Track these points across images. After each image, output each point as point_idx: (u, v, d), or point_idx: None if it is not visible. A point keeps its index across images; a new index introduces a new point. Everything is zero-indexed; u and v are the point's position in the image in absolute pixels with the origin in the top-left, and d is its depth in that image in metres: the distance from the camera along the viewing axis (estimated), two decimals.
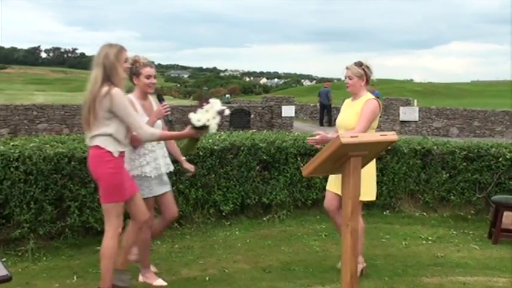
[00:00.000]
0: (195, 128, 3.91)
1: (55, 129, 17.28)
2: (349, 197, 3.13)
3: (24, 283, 4.47)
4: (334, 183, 4.84)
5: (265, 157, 6.57)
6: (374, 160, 4.50)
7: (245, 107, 20.56)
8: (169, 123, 4.33)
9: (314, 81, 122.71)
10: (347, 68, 4.79)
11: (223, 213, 6.28)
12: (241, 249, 5.54)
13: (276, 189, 6.63)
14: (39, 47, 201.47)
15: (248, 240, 5.84)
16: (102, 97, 3.73)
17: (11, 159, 5.10)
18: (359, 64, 4.77)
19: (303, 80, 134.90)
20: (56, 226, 5.33)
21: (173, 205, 4.61)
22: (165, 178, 4.53)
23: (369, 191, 4.63)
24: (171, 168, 4.57)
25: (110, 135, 3.80)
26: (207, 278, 4.72)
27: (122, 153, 3.90)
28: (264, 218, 6.58)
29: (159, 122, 4.37)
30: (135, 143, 4.15)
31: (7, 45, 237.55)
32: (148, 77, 4.34)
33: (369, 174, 4.49)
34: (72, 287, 4.46)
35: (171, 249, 5.44)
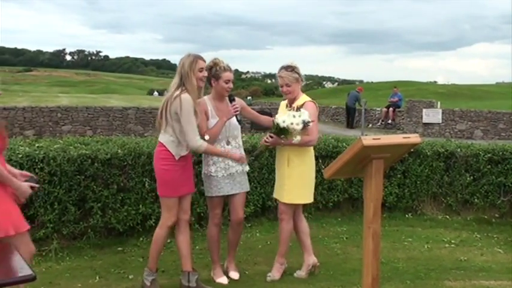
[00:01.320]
0: (276, 129, 4.37)
1: (79, 131, 17.52)
2: (371, 199, 3.10)
3: (47, 283, 4.54)
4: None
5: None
6: (310, 162, 4.72)
7: (266, 109, 20.54)
8: (239, 123, 4.59)
9: (336, 83, 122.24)
10: (281, 77, 4.68)
11: (244, 215, 6.28)
12: (261, 251, 5.54)
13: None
14: (64, 49, 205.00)
15: (269, 242, 5.83)
16: (172, 100, 4.15)
17: (36, 161, 5.18)
18: (291, 69, 4.70)
19: (324, 82, 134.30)
20: (79, 226, 5.40)
21: (239, 208, 4.72)
22: (239, 178, 4.62)
23: (304, 193, 4.73)
24: (246, 168, 4.68)
25: (174, 136, 4.21)
26: (227, 281, 4.72)
27: (183, 157, 4.25)
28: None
29: (235, 123, 4.60)
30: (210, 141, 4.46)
31: (33, 48, 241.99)
32: (227, 81, 4.54)
33: (301, 176, 4.66)
34: (95, 287, 4.50)
35: (192, 251, 5.46)
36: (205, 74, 4.35)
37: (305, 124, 4.29)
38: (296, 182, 4.64)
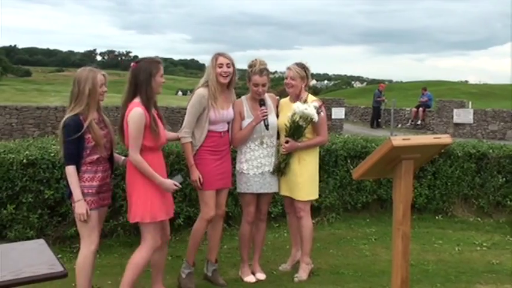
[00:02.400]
0: (291, 123, 4.52)
1: None
2: (401, 200, 3.06)
3: None
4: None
5: None
6: (317, 158, 4.79)
7: None
8: (266, 127, 4.56)
9: (365, 83, 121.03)
10: (289, 69, 4.75)
11: (272, 215, 6.28)
12: (289, 251, 5.52)
13: (325, 192, 6.59)
14: (94, 50, 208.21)
15: None
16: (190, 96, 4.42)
17: None
18: (301, 66, 4.75)
19: (353, 82, 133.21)
20: (108, 225, 5.47)
21: (263, 207, 4.81)
22: (270, 179, 4.67)
23: (314, 189, 4.82)
24: (271, 169, 4.68)
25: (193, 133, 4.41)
26: (255, 280, 4.73)
27: (218, 151, 4.45)
28: (313, 221, 6.49)
29: (272, 122, 4.62)
30: (235, 142, 4.61)
31: (64, 49, 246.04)
32: (255, 85, 4.55)
33: (312, 173, 4.77)
34: None
35: (219, 250, 5.48)
36: (225, 69, 4.40)
37: (316, 110, 4.49)
38: (308, 178, 4.74)
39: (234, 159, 4.78)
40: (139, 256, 3.91)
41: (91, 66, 3.91)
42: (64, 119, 3.79)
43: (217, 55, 4.47)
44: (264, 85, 4.57)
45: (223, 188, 4.61)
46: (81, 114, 3.75)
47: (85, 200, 3.76)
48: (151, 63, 3.90)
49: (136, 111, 3.74)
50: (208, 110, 4.42)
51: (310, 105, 4.51)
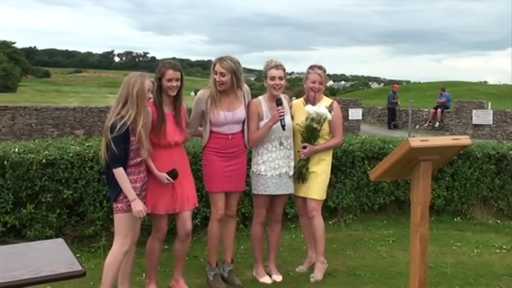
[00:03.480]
0: (306, 127, 4.58)
1: None
2: (419, 202, 3.04)
3: (97, 278, 4.63)
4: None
5: (332, 160, 6.51)
6: (330, 159, 4.80)
7: None
8: (282, 128, 4.53)
9: (382, 84, 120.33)
10: (316, 73, 4.73)
11: (289, 216, 6.27)
12: (305, 252, 5.50)
13: (342, 193, 6.56)
14: (112, 51, 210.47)
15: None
16: None
17: (86, 159, 5.32)
18: (324, 70, 4.82)
19: (370, 83, 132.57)
20: None
21: (278, 208, 4.82)
22: (286, 180, 4.66)
23: (325, 190, 4.82)
24: (290, 172, 4.68)
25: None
26: (271, 281, 4.73)
27: (226, 153, 4.51)
28: (330, 222, 6.51)
29: (289, 123, 4.63)
30: (251, 143, 4.61)
31: (83, 50, 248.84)
32: (272, 78, 4.58)
33: (328, 173, 4.81)
34: (141, 284, 4.59)
35: (236, 251, 5.49)
36: (218, 78, 4.38)
37: (328, 109, 4.56)
38: (325, 178, 4.78)
39: (249, 161, 4.78)
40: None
41: (141, 72, 4.03)
42: (110, 120, 3.84)
43: (217, 60, 4.44)
44: (280, 78, 4.57)
45: (233, 191, 4.62)
46: (129, 118, 3.80)
47: (127, 202, 3.85)
48: (159, 67, 4.25)
49: None
50: (207, 112, 4.47)
51: (321, 106, 4.57)
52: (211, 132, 4.53)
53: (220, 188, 4.52)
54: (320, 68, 4.79)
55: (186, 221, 4.33)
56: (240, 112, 4.56)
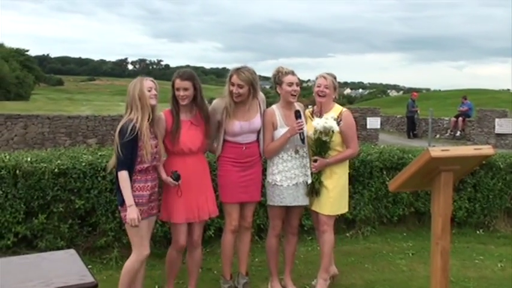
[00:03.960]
0: (316, 141, 4.51)
1: None
2: (439, 214, 3.02)
3: None
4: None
5: (349, 170, 6.48)
6: (347, 171, 4.73)
7: None
8: (302, 141, 4.51)
9: (401, 92, 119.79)
10: (323, 77, 4.68)
11: (305, 228, 6.25)
12: None
13: (360, 204, 6.53)
14: (126, 59, 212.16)
15: None
16: None
17: (99, 169, 5.36)
18: (334, 76, 4.73)
19: (389, 91, 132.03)
20: None
21: (295, 220, 4.81)
22: (303, 190, 4.63)
23: (344, 203, 4.73)
24: (308, 180, 4.64)
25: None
26: None
27: (240, 163, 4.53)
28: (347, 234, 6.48)
29: (305, 131, 4.55)
30: (267, 154, 4.60)
31: (96, 58, 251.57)
32: (290, 84, 4.56)
33: (344, 187, 4.69)
34: None
35: (251, 263, 5.48)
36: (235, 90, 4.40)
37: (336, 121, 4.47)
38: (340, 192, 4.67)
39: (264, 170, 4.78)
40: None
41: (140, 76, 4.17)
42: (120, 124, 4.00)
43: (233, 71, 4.46)
44: (297, 84, 4.58)
45: (249, 201, 4.62)
46: (137, 120, 3.94)
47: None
48: (173, 77, 4.32)
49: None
50: (223, 122, 4.49)
51: (328, 118, 4.48)
52: (225, 141, 4.54)
53: (235, 198, 4.52)
54: (328, 73, 4.74)
55: (194, 231, 4.40)
56: (256, 121, 4.56)
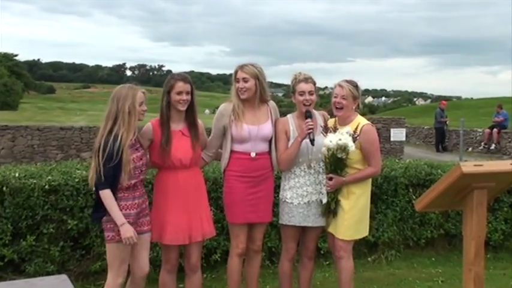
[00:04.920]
0: (329, 158, 4.41)
1: None
2: (472, 236, 3.01)
3: None
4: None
5: (371, 188, 6.47)
6: (369, 191, 4.64)
7: None
8: (311, 143, 4.46)
9: (429, 100, 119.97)
10: (340, 86, 4.59)
11: (322, 252, 6.23)
12: None
13: (383, 226, 6.51)
14: (124, 64, 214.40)
15: None
16: None
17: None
18: (354, 84, 4.61)
19: (415, 99, 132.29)
20: None
21: (310, 242, 4.77)
22: (316, 210, 4.60)
23: (363, 227, 4.67)
24: (324, 199, 4.59)
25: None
26: None
27: (246, 179, 4.49)
28: (369, 259, 6.46)
29: (321, 143, 4.50)
30: (282, 165, 4.59)
31: (91, 63, 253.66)
32: (301, 93, 4.55)
33: (363, 208, 4.61)
34: None
35: None
36: (241, 85, 4.45)
37: (352, 136, 4.40)
38: (357, 215, 4.58)
39: (278, 187, 4.77)
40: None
41: (130, 84, 4.16)
42: (99, 139, 3.98)
43: (237, 67, 4.53)
44: (311, 93, 4.54)
45: (258, 222, 4.58)
46: (118, 135, 3.92)
47: (118, 231, 3.92)
48: (168, 79, 4.32)
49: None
50: (229, 127, 4.48)
51: (343, 133, 4.39)
52: (232, 152, 4.53)
53: (243, 219, 4.50)
54: (348, 81, 4.62)
55: (191, 253, 4.39)
56: (266, 127, 4.56)
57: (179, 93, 4.25)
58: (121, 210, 3.94)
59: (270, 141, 4.62)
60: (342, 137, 4.36)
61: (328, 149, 4.39)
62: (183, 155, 4.27)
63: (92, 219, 4.13)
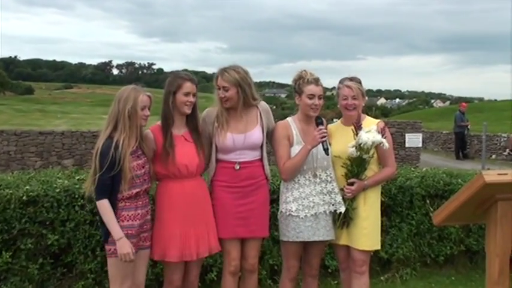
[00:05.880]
0: (356, 161, 4.48)
1: None
2: (496, 253, 3.00)
3: None
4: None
5: (383, 199, 6.45)
6: (380, 195, 4.70)
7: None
8: (325, 152, 4.47)
9: (448, 102, 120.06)
10: (348, 86, 4.63)
11: (329, 270, 6.22)
12: None
13: (397, 241, 6.51)
14: (110, 62, 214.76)
15: None
16: None
17: (76, 197, 5.38)
18: (358, 81, 4.69)
19: (433, 101, 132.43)
20: None
21: (314, 260, 4.76)
22: (325, 222, 4.58)
23: (379, 236, 4.68)
24: (341, 208, 4.57)
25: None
26: None
27: (234, 189, 4.47)
28: (382, 278, 6.45)
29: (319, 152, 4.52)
30: (285, 175, 4.54)
31: (74, 61, 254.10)
32: (311, 96, 4.53)
33: (378, 215, 4.65)
34: None
35: None
36: (221, 94, 4.43)
37: (380, 133, 4.47)
38: (375, 222, 4.65)
39: (273, 201, 4.74)
40: None
41: (135, 85, 4.19)
42: (98, 143, 4.01)
43: (218, 72, 4.50)
44: (320, 97, 4.55)
45: (250, 237, 4.54)
46: (118, 140, 3.96)
47: None
48: (174, 79, 4.32)
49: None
50: (213, 135, 4.49)
51: (371, 130, 4.46)
52: (218, 161, 4.54)
53: (231, 233, 4.46)
54: (351, 79, 4.69)
55: (191, 270, 4.44)
56: (255, 135, 4.54)
57: (187, 94, 4.27)
58: (123, 221, 3.98)
59: (261, 147, 4.61)
60: (374, 133, 4.42)
61: (361, 149, 4.42)
62: (189, 161, 4.28)
63: (103, 240, 4.12)
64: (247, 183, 4.49)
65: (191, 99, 4.27)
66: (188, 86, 4.26)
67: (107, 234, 3.98)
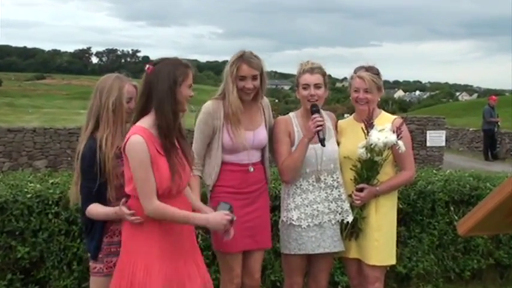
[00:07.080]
0: (366, 161, 4.42)
1: None
2: None
3: None
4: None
5: (401, 206, 6.46)
6: (396, 203, 4.70)
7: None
8: (321, 143, 4.39)
9: (475, 95, 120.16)
10: (360, 77, 4.56)
11: (339, 287, 6.23)
12: None
13: (417, 254, 6.52)
14: (89, 49, 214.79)
15: None
16: None
17: (50, 203, 5.38)
18: (375, 71, 4.61)
19: (458, 93, 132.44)
20: None
21: (321, 275, 4.72)
22: (331, 232, 4.56)
23: (394, 250, 4.68)
24: (349, 217, 4.56)
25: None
26: None
27: (238, 194, 4.41)
28: None
29: (332, 149, 4.54)
30: (285, 174, 4.51)
31: (47, 48, 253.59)
32: (305, 86, 4.51)
33: (393, 225, 4.65)
34: None
35: None
36: (249, 85, 4.34)
37: (396, 132, 4.40)
38: (388, 233, 4.63)
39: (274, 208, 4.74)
40: None
41: (118, 73, 4.07)
42: (79, 147, 3.88)
43: (239, 61, 4.33)
44: (317, 86, 4.49)
45: (257, 248, 4.53)
46: (101, 139, 3.80)
47: (108, 262, 3.87)
48: (176, 66, 3.71)
49: (133, 141, 3.56)
50: (221, 133, 4.41)
51: (385, 129, 4.39)
52: (223, 163, 4.47)
53: (239, 246, 4.38)
54: (368, 69, 4.61)
55: None
56: (262, 132, 4.55)
57: (190, 86, 3.77)
58: (112, 236, 3.88)
59: (263, 148, 4.61)
60: (387, 133, 4.37)
61: (372, 151, 4.36)
62: (187, 176, 3.86)
63: (90, 257, 3.95)
64: (254, 188, 4.49)
65: (192, 93, 3.79)
66: (192, 77, 3.75)
67: (96, 249, 3.87)
